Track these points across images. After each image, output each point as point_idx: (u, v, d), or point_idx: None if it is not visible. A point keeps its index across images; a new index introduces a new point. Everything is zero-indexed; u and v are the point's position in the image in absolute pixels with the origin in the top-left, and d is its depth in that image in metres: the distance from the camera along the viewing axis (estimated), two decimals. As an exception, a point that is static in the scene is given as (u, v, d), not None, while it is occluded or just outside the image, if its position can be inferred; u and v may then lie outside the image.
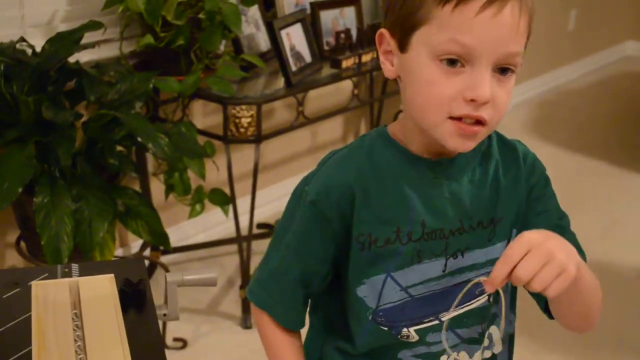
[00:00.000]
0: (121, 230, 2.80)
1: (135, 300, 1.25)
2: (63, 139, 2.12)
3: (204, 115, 2.97)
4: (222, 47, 2.66)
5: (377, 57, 3.20)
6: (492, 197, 1.10)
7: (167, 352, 1.17)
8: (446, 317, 1.09)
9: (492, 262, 1.07)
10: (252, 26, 2.76)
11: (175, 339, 2.54)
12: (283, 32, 2.58)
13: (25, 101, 2.11)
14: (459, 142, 1.01)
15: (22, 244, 2.39)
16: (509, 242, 1.10)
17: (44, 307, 1.21)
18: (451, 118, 0.99)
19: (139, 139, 2.19)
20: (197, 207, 2.69)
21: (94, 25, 2.37)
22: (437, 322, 1.10)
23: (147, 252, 2.77)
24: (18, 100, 2.14)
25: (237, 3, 2.55)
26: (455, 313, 1.10)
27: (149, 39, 2.44)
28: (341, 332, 1.17)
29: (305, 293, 1.15)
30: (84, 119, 2.29)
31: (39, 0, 2.48)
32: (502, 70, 0.99)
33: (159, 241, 2.35)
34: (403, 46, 1.02)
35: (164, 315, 1.34)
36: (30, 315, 1.19)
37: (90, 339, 1.13)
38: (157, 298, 1.30)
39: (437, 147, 1.06)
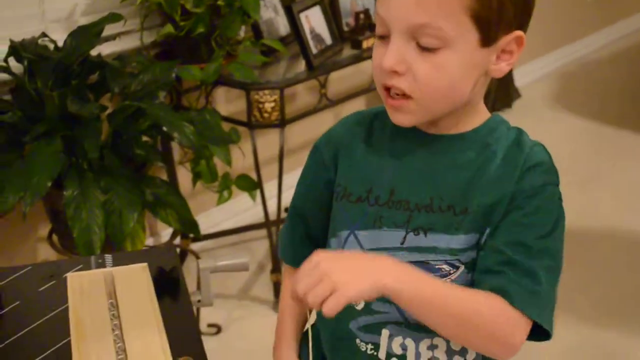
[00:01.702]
0: (151, 220, 2.82)
1: (169, 287, 1.27)
2: (89, 132, 2.14)
3: (227, 102, 2.98)
4: (242, 33, 2.66)
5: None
6: (472, 187, 1.06)
7: (202, 338, 1.18)
8: None
9: (453, 251, 1.06)
10: (270, 10, 2.76)
11: (210, 325, 2.56)
12: (302, 15, 2.58)
13: (50, 96, 2.12)
14: (392, 114, 1.06)
15: (54, 237, 2.42)
16: (480, 237, 1.06)
17: (80, 297, 1.22)
18: (384, 88, 1.04)
19: (164, 129, 2.20)
20: (225, 193, 2.70)
21: (114, 18, 2.38)
22: None
23: (177, 241, 2.79)
24: (43, 95, 2.15)
25: (255, -12, 2.54)
26: None
27: (169, 28, 2.45)
28: None
29: (305, 230, 1.22)
30: (108, 111, 2.30)
31: (58, -6, 2.50)
32: (422, 45, 0.98)
33: (188, 229, 2.36)
34: None
35: (198, 301, 1.35)
36: (67, 307, 1.21)
37: (127, 327, 1.15)
38: (189, 285, 1.32)
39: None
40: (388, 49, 1.00)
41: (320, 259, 0.96)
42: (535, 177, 1.04)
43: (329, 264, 0.95)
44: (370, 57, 2.82)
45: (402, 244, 1.08)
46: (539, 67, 4.77)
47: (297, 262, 1.19)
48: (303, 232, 1.23)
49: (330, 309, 0.92)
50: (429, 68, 0.99)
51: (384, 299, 1.09)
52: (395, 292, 0.96)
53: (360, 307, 1.13)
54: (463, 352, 1.13)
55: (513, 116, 4.21)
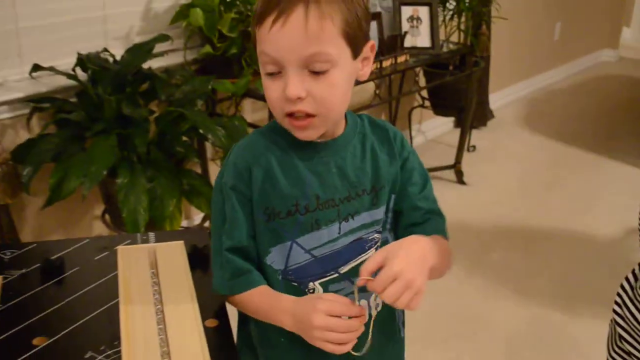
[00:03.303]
0: (186, 206, 2.82)
1: (200, 262, 1.27)
2: (139, 131, 2.14)
3: (253, 111, 2.98)
4: (267, 55, 2.66)
5: (395, 62, 3.14)
6: (372, 169, 1.10)
7: (227, 305, 1.19)
8: (344, 269, 1.09)
9: (377, 222, 1.11)
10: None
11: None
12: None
13: (109, 100, 2.13)
14: (299, 133, 1.04)
15: (107, 216, 2.42)
16: (388, 205, 1.12)
17: (128, 267, 1.23)
18: (287, 115, 1.01)
19: (201, 131, 2.20)
20: (248, 186, 2.69)
21: (163, 38, 2.38)
22: (336, 274, 1.09)
23: (207, 224, 2.79)
24: (102, 99, 2.16)
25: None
26: (351, 265, 1.10)
27: (208, 48, 2.45)
28: None
29: (245, 259, 1.08)
30: (155, 114, 2.31)
31: (119, 17, 2.51)
32: (315, 70, 0.98)
33: (217, 214, 2.36)
34: None
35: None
36: (117, 274, 1.21)
37: (165, 293, 1.15)
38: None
39: None
40: (289, 81, 0.98)
41: (400, 268, 0.94)
42: (405, 145, 1.14)
43: (412, 271, 0.94)
44: (371, 80, 2.85)
45: (339, 233, 1.08)
46: (509, 94, 4.75)
47: (240, 289, 1.08)
48: (243, 263, 1.08)
49: (415, 306, 0.95)
50: (324, 88, 0.99)
51: (338, 279, 1.09)
52: (432, 268, 0.99)
53: (320, 292, 1.09)
54: None
55: (489, 133, 4.22)
